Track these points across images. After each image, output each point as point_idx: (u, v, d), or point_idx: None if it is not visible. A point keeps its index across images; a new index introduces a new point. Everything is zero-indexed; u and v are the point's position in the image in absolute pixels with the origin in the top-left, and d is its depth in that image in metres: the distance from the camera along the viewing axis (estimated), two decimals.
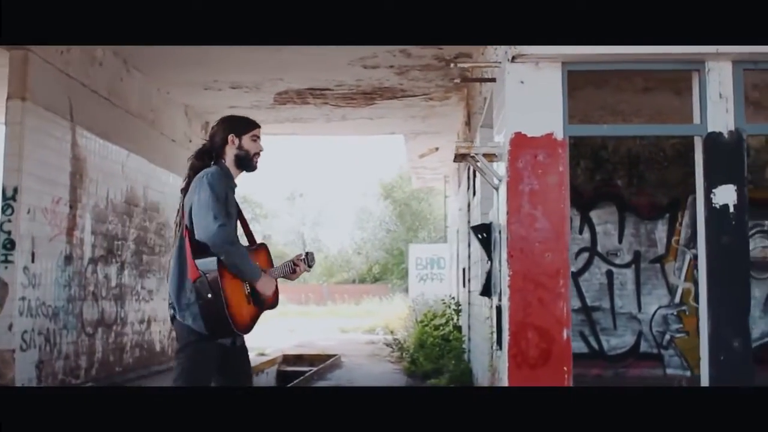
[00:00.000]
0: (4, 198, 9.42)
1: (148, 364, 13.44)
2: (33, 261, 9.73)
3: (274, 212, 63.03)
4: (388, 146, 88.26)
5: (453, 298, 17.66)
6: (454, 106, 14.55)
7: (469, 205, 12.91)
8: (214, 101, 14.34)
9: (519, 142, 6.83)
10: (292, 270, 5.10)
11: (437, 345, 14.81)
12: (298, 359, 17.65)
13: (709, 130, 6.88)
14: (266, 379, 15.46)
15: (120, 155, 12.33)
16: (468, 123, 12.57)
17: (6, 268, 9.40)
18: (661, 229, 10.93)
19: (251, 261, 4.79)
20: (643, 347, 10.81)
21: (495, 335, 7.72)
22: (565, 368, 6.75)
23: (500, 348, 7.28)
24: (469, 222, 12.63)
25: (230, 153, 4.96)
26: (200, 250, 4.68)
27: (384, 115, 15.62)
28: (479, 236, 8.36)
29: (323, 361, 16.45)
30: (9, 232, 9.44)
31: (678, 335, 10.74)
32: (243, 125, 5.02)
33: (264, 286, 4.84)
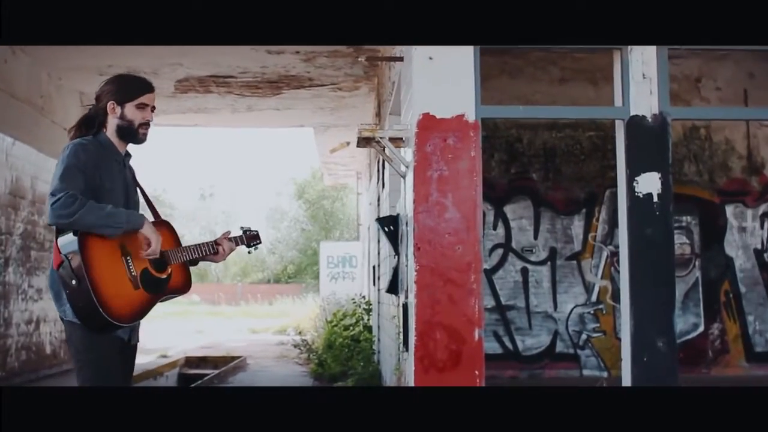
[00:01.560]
0: None
1: (37, 368, 12.50)
2: None
3: (190, 213, 61.97)
4: (301, 142, 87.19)
5: (363, 297, 17.11)
6: (365, 97, 13.98)
7: (378, 199, 12.36)
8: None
9: (427, 123, 6.22)
10: (212, 250, 4.56)
11: (346, 346, 14.22)
12: (202, 361, 16.90)
13: (632, 113, 6.36)
14: (166, 383, 14.62)
15: (3, 143, 11.40)
16: (378, 114, 12.01)
17: None
18: (577, 225, 10.64)
19: (118, 210, 4.08)
20: (559, 347, 10.50)
21: (402, 336, 7.14)
22: (477, 372, 6.18)
23: (407, 349, 6.68)
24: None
25: (112, 122, 4.28)
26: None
27: (291, 106, 14.95)
28: (385, 229, 7.76)
29: (228, 363, 15.74)
30: None
31: (595, 335, 10.45)
32: (127, 91, 4.28)
33: (151, 229, 4.17)
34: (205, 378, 12.96)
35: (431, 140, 6.22)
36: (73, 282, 3.93)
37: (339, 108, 14.96)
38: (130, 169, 4.46)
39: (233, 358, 16.53)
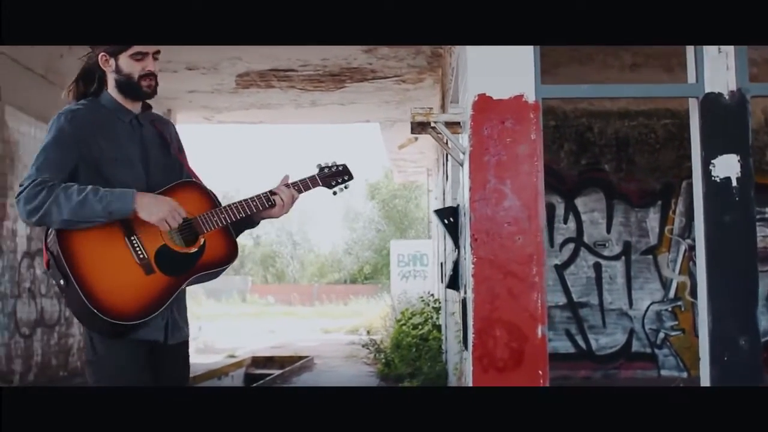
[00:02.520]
0: None
1: None
2: None
3: None
4: (369, 139, 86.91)
5: (432, 295, 16.75)
6: (430, 89, 13.59)
7: (444, 193, 11.99)
8: (172, 85, 13.29)
9: (483, 105, 5.78)
10: (266, 204, 3.65)
11: (414, 345, 13.89)
12: (269, 361, 16.69)
13: (707, 90, 5.82)
14: (231, 383, 14.46)
15: None
16: (443, 106, 11.65)
17: None
18: (653, 218, 10.23)
19: (98, 194, 3.28)
20: (635, 346, 10.13)
21: (461, 333, 6.72)
22: (540, 371, 5.71)
23: (466, 348, 6.27)
24: None
25: (110, 78, 3.59)
26: None
27: (356, 101, 14.62)
28: (445, 221, 7.35)
29: (295, 363, 15.49)
30: None
31: (673, 333, 10.04)
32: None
33: (149, 210, 3.34)
34: (267, 378, 12.71)
35: (488, 123, 5.78)
36: (62, 282, 3.30)
37: (404, 101, 14.59)
38: (153, 126, 3.70)
39: (300, 358, 16.30)
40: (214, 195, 3.67)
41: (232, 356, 16.65)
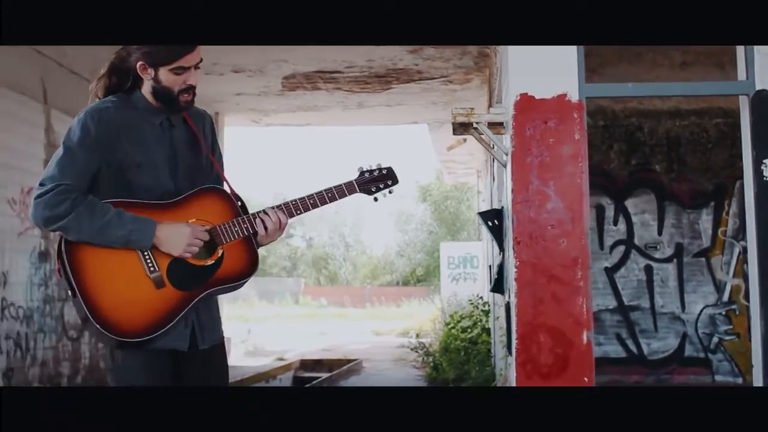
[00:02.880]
0: None
1: None
2: None
3: (317, 216, 62.29)
4: (419, 140, 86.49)
5: (481, 297, 16.58)
6: (477, 90, 13.43)
7: (491, 194, 11.85)
8: (219, 88, 13.30)
9: (525, 105, 5.66)
10: (252, 227, 3.37)
11: (462, 349, 13.74)
12: (317, 364, 16.62)
13: (758, 87, 5.65)
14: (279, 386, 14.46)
15: None
16: (490, 107, 11.51)
17: None
18: (705, 219, 9.97)
19: (121, 218, 3.16)
20: (688, 351, 9.88)
21: (506, 338, 6.59)
22: (586, 378, 5.58)
23: (510, 353, 6.13)
24: None
25: (147, 83, 3.37)
26: None
27: (403, 102, 14.50)
28: (488, 224, 7.23)
29: (343, 366, 15.43)
30: None
31: (727, 338, 9.78)
32: (158, 52, 3.31)
33: (168, 244, 3.20)
34: (314, 382, 12.65)
35: (530, 124, 5.65)
36: (69, 293, 3.15)
37: (452, 102, 14.43)
38: (186, 124, 3.50)
39: (348, 361, 16.23)
40: (240, 202, 3.46)
41: (281, 359, 16.67)
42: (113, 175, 3.29)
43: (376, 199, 3.57)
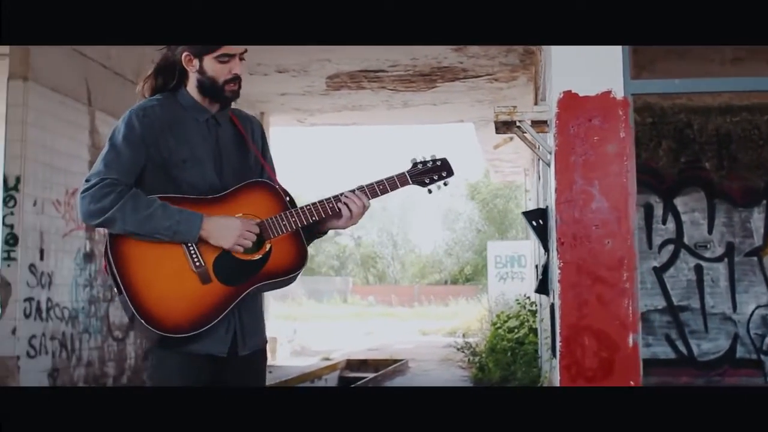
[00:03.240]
0: (6, 188, 8.51)
1: None
2: (42, 258, 8.81)
3: (366, 214, 62.19)
4: (466, 139, 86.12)
5: (528, 297, 16.41)
6: (523, 88, 13.30)
7: (537, 193, 11.71)
8: (263, 88, 13.33)
9: (569, 103, 5.53)
10: (331, 211, 3.34)
11: (509, 349, 13.58)
12: (363, 364, 16.55)
13: None
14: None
15: None
16: (536, 105, 11.37)
17: (8, 265, 8.48)
18: (757, 218, 9.74)
19: (166, 211, 3.13)
20: (740, 352, 9.65)
21: (551, 340, 6.47)
22: (632, 383, 5.44)
23: (554, 356, 6.01)
24: None
25: (192, 77, 3.37)
26: None
27: (448, 100, 14.42)
28: (533, 224, 7.10)
29: (389, 366, 15.34)
30: (11, 226, 8.50)
31: None
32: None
33: (217, 236, 3.16)
34: (359, 382, 12.59)
35: (574, 121, 5.52)
36: (115, 291, 3.13)
37: (497, 101, 14.31)
38: (232, 124, 3.49)
39: (394, 362, 16.12)
40: (288, 196, 3.40)
41: (327, 359, 16.63)
42: (159, 171, 3.26)
43: (430, 191, 3.47)
